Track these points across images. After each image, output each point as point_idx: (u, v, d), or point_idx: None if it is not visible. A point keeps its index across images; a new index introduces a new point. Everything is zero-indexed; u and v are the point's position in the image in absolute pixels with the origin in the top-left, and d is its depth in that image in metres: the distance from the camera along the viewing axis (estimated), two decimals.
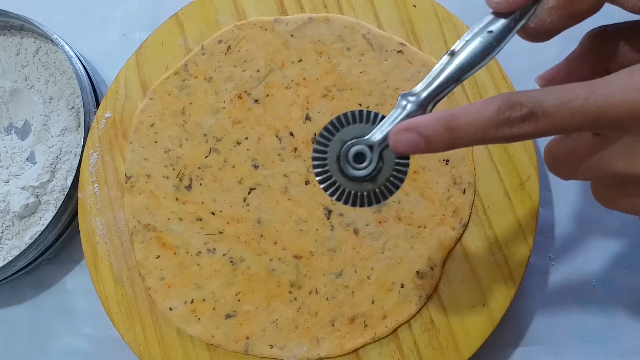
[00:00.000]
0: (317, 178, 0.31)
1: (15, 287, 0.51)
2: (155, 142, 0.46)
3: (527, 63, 0.48)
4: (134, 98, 0.48)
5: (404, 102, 0.28)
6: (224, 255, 0.44)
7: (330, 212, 0.43)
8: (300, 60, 0.46)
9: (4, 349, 0.51)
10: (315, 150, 0.30)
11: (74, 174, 0.48)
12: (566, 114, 0.24)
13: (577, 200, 0.46)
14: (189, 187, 0.45)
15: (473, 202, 0.42)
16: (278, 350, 0.41)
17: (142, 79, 0.48)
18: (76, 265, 0.51)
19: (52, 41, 0.50)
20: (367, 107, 0.44)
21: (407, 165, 0.30)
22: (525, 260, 0.41)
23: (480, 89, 0.44)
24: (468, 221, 0.42)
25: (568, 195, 0.46)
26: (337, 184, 0.30)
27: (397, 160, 0.30)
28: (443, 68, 0.28)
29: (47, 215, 0.50)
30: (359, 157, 0.30)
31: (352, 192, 0.30)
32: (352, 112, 0.30)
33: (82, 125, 0.48)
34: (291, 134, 0.45)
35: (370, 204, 0.30)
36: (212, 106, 0.46)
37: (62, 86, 0.52)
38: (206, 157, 0.45)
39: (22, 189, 0.50)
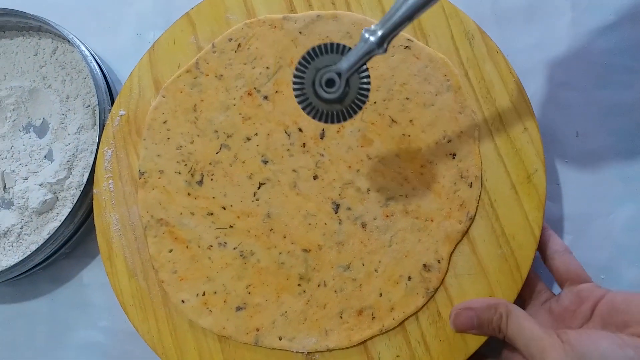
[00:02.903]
0: (297, 99, 0.37)
1: (33, 281, 0.55)
2: (168, 138, 0.48)
3: (535, 58, 0.50)
4: (147, 96, 0.50)
5: (366, 36, 0.34)
6: (234, 248, 0.46)
7: (338, 206, 0.45)
8: None
9: (23, 342, 0.54)
10: (294, 76, 0.37)
11: (89, 171, 0.51)
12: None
13: (585, 194, 0.47)
14: (200, 182, 0.47)
15: (480, 196, 0.44)
16: (287, 341, 0.43)
17: (155, 77, 0.50)
18: (92, 259, 0.54)
19: (69, 41, 0.54)
20: (375, 103, 0.46)
21: (368, 90, 0.36)
22: (532, 253, 0.42)
23: (487, 84, 0.45)
24: (475, 214, 0.43)
25: (577, 188, 0.47)
26: (313, 105, 0.37)
27: (360, 86, 0.36)
28: (398, 8, 0.33)
29: (64, 211, 0.53)
30: (330, 82, 0.36)
31: (325, 112, 0.37)
32: (325, 44, 0.36)
33: (98, 123, 0.51)
34: (300, 129, 0.47)
35: (339, 121, 0.37)
36: (222, 103, 0.48)
37: (79, 85, 0.55)
38: (217, 153, 0.48)
39: (40, 185, 0.53)
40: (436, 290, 0.43)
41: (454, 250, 0.43)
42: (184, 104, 0.49)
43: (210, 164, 0.48)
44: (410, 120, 0.46)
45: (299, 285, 0.44)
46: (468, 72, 0.46)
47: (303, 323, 0.44)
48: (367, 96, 0.36)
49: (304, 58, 0.36)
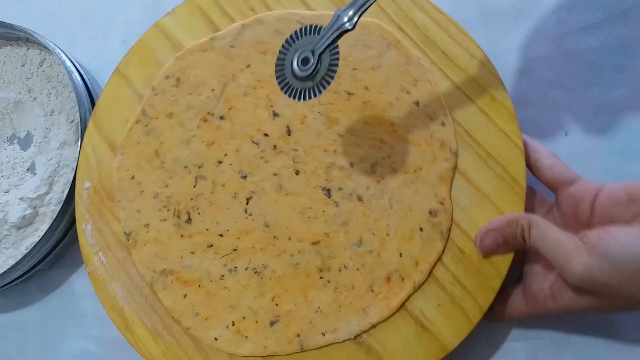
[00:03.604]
0: (277, 81, 0.39)
1: (24, 291, 0.54)
2: (142, 191, 0.48)
3: (523, 58, 0.51)
4: (105, 160, 0.50)
5: (337, 14, 0.37)
6: (246, 269, 0.45)
7: (329, 190, 0.46)
8: (248, 66, 0.49)
9: (15, 353, 0.54)
10: (277, 59, 0.39)
11: (69, 187, 0.50)
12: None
13: None
14: (188, 220, 0.47)
15: (455, 130, 0.45)
16: (331, 334, 0.43)
17: (107, 139, 0.50)
18: (82, 268, 0.54)
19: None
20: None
21: (337, 64, 0.37)
22: (523, 162, 0.44)
23: (422, 29, 0.47)
24: (457, 149, 0.45)
25: (541, 96, 0.49)
26: (290, 84, 0.39)
27: (331, 61, 0.37)
28: None
29: (43, 226, 0.53)
30: (305, 60, 0.38)
31: (298, 89, 0.39)
32: (301, 28, 0.39)
33: (80, 140, 0.51)
34: (265, 134, 0.47)
35: (309, 97, 0.38)
36: (182, 138, 0.49)
37: (64, 99, 0.56)
38: (194, 187, 0.48)
39: (20, 200, 0.53)
40: (449, 230, 0.44)
41: (451, 188, 0.44)
42: (145, 153, 0.49)
43: (191, 199, 0.48)
44: (365, 87, 0.47)
45: (321, 277, 0.44)
46: (400, 25, 0.48)
47: (339, 311, 0.44)
48: (335, 70, 0.38)
49: (286, 41, 0.39)
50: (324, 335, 0.43)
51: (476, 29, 0.50)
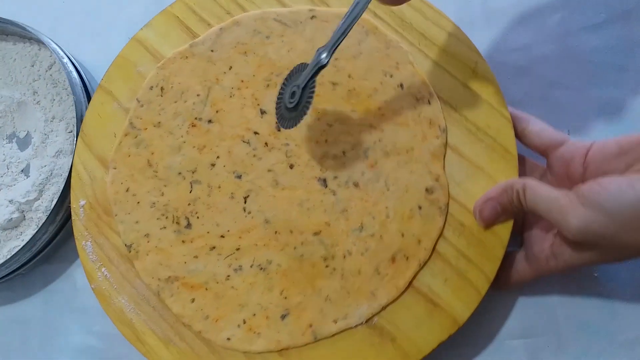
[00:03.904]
0: (276, 116, 0.45)
1: (26, 286, 0.55)
2: (138, 202, 0.48)
3: (526, 57, 0.51)
4: (98, 176, 0.50)
5: (318, 52, 0.42)
6: (251, 266, 0.46)
7: (325, 180, 0.46)
8: (230, 68, 0.50)
9: (17, 347, 0.54)
10: (278, 93, 0.45)
11: (58, 197, 0.51)
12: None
13: None
14: (188, 225, 0.47)
15: (442, 108, 0.46)
16: (343, 321, 0.44)
17: (97, 155, 0.50)
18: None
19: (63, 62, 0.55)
20: None
21: (312, 97, 0.42)
22: (511, 131, 0.44)
23: (398, 14, 0.48)
24: (445, 125, 0.46)
25: (543, 95, 0.50)
26: (283, 115, 0.44)
27: (308, 94, 0.42)
28: (338, 29, 0.41)
29: (28, 231, 0.54)
30: (293, 94, 0.43)
31: (286, 119, 0.44)
32: (296, 66, 0.44)
33: (74, 152, 0.51)
34: (255, 133, 0.48)
35: (293, 125, 0.43)
36: (172, 146, 0.49)
37: (66, 108, 0.56)
38: (190, 192, 0.48)
39: (9, 202, 0.54)
40: (447, 205, 0.44)
41: (444, 164, 0.45)
42: (138, 165, 0.49)
43: (189, 204, 0.48)
44: (349, 76, 0.48)
45: (327, 266, 0.45)
46: (376, 12, 0.49)
47: (348, 297, 0.44)
48: (311, 102, 0.42)
49: (285, 78, 0.45)
50: (336, 323, 0.44)
51: (478, 28, 0.50)
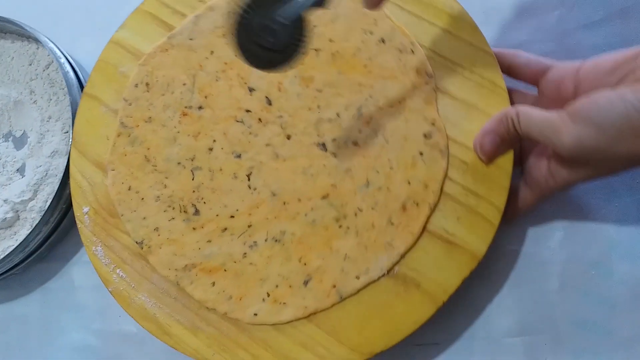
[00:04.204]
0: (242, 53, 0.39)
1: (24, 284, 0.55)
2: (142, 199, 0.48)
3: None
4: (97, 181, 0.50)
5: None
6: (265, 240, 0.46)
7: (324, 144, 0.47)
8: (212, 53, 0.50)
9: (15, 345, 0.54)
10: (237, 24, 0.38)
11: (52, 198, 0.51)
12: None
13: (576, 188, 0.47)
14: (196, 212, 0.47)
15: (425, 55, 0.47)
16: (365, 276, 0.44)
17: (93, 160, 0.50)
18: (82, 261, 0.55)
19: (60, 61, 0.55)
20: None
21: (303, 40, 0.38)
22: (496, 65, 0.46)
23: None
24: (432, 70, 0.46)
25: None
26: (255, 55, 0.39)
27: (302, 33, 0.38)
28: None
29: (22, 231, 0.54)
30: (274, 33, 0.38)
31: (264, 60, 0.39)
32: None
33: (69, 153, 0.51)
34: (247, 111, 0.48)
35: (275, 68, 0.39)
36: (167, 138, 0.49)
37: (62, 108, 0.56)
38: (193, 179, 0.48)
39: (4, 201, 0.54)
40: (447, 147, 0.45)
41: (438, 108, 0.46)
42: (135, 162, 0.49)
43: (193, 192, 0.48)
44: (330, 40, 0.48)
45: (340, 226, 0.45)
46: None
47: (366, 252, 0.44)
48: (302, 45, 0.38)
49: (244, 8, 0.37)
50: (359, 278, 0.44)
51: (478, 24, 0.50)
